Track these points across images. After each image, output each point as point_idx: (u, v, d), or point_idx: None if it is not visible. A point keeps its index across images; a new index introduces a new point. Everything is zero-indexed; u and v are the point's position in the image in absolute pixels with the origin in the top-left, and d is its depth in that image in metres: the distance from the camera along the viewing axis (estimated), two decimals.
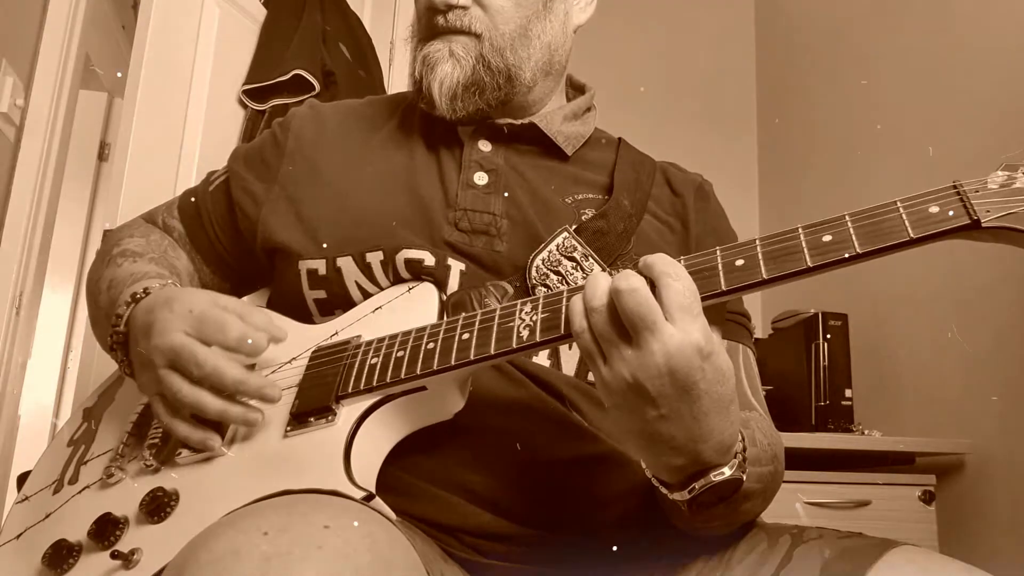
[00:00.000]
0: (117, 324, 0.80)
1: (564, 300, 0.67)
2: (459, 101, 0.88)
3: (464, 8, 0.88)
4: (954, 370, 1.92)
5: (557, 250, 0.83)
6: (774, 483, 0.75)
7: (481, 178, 0.89)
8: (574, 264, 0.83)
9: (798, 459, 1.69)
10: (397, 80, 2.64)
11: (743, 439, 0.67)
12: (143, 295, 0.80)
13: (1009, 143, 1.76)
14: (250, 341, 0.73)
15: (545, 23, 0.92)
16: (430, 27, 0.90)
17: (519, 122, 0.92)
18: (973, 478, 1.85)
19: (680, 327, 0.59)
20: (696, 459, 0.63)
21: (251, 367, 0.79)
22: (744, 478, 0.66)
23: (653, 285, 0.60)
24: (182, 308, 0.75)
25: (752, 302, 0.94)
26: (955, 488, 1.88)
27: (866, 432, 1.91)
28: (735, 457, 0.65)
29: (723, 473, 0.64)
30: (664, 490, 0.67)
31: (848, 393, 1.95)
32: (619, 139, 1.00)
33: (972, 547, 1.79)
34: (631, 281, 0.59)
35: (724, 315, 0.88)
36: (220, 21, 2.22)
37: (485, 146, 0.91)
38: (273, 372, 0.79)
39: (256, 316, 0.76)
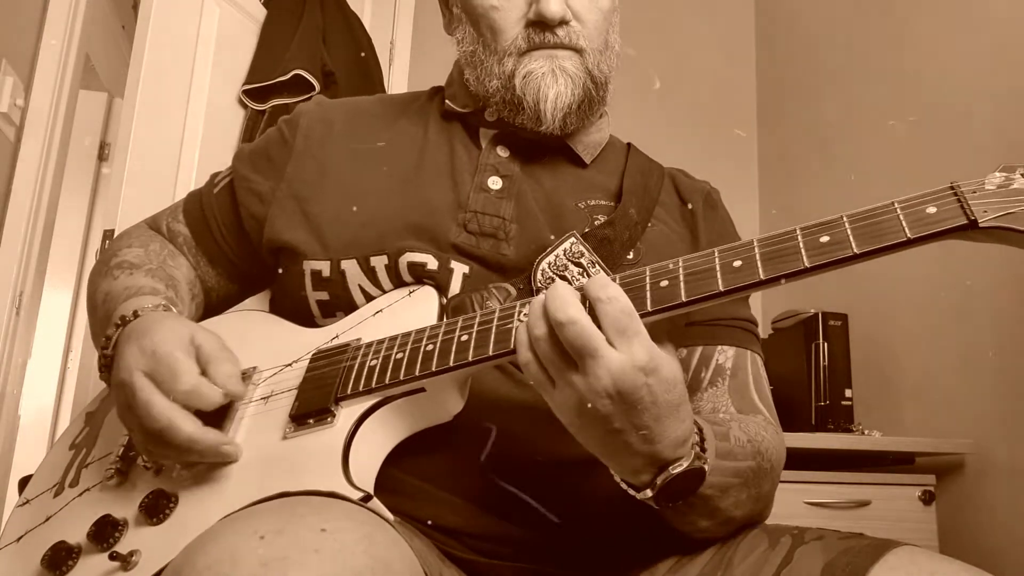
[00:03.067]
0: (106, 347, 0.79)
1: None
2: (572, 116, 0.88)
3: (568, 23, 0.88)
4: (954, 370, 1.92)
5: (564, 255, 0.83)
6: (762, 480, 0.75)
7: (495, 183, 0.88)
8: (580, 270, 0.83)
9: (798, 459, 1.69)
10: (397, 80, 2.65)
11: (699, 431, 0.68)
12: (132, 318, 0.79)
13: (1010, 141, 1.76)
14: (199, 396, 0.71)
15: (614, 34, 0.93)
16: (531, 41, 0.88)
17: (540, 129, 0.91)
18: (973, 478, 1.85)
19: (621, 349, 0.61)
20: (654, 457, 0.64)
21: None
22: (705, 468, 0.67)
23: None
24: (150, 345, 0.73)
25: (752, 302, 0.94)
26: (955, 488, 1.88)
27: (866, 432, 1.91)
28: (692, 448, 0.66)
29: (680, 465, 0.65)
30: (632, 492, 0.68)
31: (848, 393, 1.95)
32: (628, 144, 1.00)
33: (972, 547, 1.79)
34: (569, 313, 0.61)
35: (678, 328, 0.88)
36: (220, 21, 2.22)
37: (503, 152, 0.91)
38: (273, 375, 0.79)
39: (222, 367, 0.74)
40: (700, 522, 0.72)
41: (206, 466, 0.72)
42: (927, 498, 1.77)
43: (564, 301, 0.61)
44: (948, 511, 1.83)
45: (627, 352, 0.61)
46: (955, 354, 1.92)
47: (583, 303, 0.62)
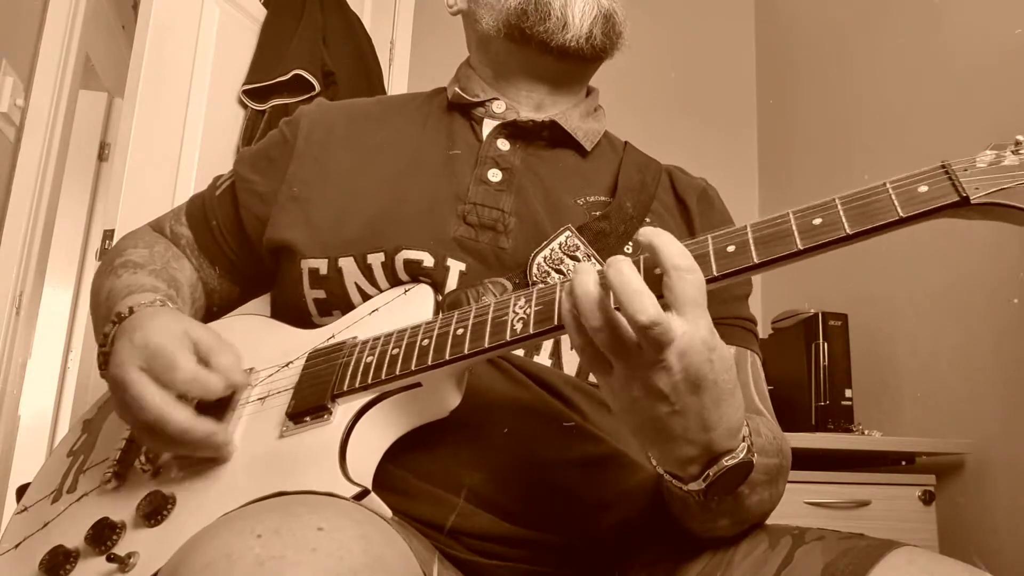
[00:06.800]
0: (104, 344, 0.79)
1: (558, 293, 0.66)
2: (597, 29, 0.90)
3: None
4: (954, 370, 1.92)
5: (560, 248, 0.83)
6: (780, 478, 0.75)
7: (495, 175, 0.89)
8: (577, 263, 0.82)
9: (798, 459, 1.68)
10: (397, 80, 2.65)
11: (747, 424, 0.66)
12: (127, 314, 0.79)
13: (1008, 133, 1.76)
14: (200, 384, 0.71)
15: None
16: None
17: (540, 119, 0.93)
18: (973, 478, 1.85)
19: (690, 322, 0.58)
20: (708, 447, 0.62)
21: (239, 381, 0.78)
22: (754, 461, 0.65)
23: (655, 269, 0.59)
24: (142, 339, 0.72)
25: (752, 302, 0.94)
26: (955, 488, 1.88)
27: (866, 432, 1.91)
28: (743, 440, 0.64)
29: (736, 456, 0.63)
30: (677, 483, 0.66)
31: (848, 393, 1.95)
32: (625, 142, 1.01)
33: (972, 547, 1.79)
34: (651, 314, 0.55)
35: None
36: (220, 21, 2.22)
37: (504, 144, 0.92)
38: (270, 376, 0.79)
39: (223, 357, 0.74)
40: (721, 520, 0.71)
41: (204, 466, 0.72)
42: (927, 498, 1.77)
43: (640, 294, 0.55)
44: (948, 511, 1.83)
45: (694, 326, 0.58)
46: (955, 354, 1.92)
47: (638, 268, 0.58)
